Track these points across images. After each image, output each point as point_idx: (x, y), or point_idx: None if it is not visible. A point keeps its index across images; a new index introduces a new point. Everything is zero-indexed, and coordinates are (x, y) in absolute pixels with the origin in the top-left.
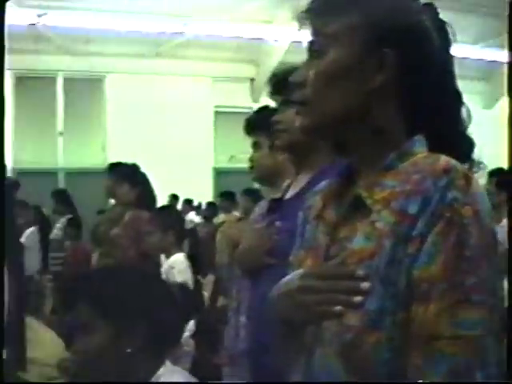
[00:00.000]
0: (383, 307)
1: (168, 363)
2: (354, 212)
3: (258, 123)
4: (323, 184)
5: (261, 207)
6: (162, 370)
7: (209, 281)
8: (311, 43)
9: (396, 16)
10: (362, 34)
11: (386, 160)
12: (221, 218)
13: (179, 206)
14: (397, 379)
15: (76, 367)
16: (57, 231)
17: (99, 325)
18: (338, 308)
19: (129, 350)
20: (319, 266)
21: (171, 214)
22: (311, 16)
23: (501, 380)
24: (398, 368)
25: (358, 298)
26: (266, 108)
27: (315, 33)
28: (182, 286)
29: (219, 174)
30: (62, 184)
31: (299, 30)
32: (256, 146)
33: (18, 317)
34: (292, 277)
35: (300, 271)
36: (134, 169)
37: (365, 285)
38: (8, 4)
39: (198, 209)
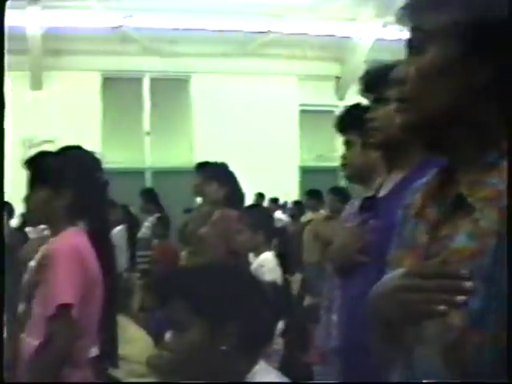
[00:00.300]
0: (487, 307)
1: (262, 362)
2: (455, 210)
3: (349, 121)
4: (422, 182)
5: (352, 205)
6: (256, 369)
7: (296, 279)
8: (411, 40)
9: (498, 12)
10: (463, 30)
11: (486, 158)
12: (308, 216)
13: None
14: (502, 380)
15: (170, 365)
16: (145, 230)
17: (194, 322)
18: (441, 307)
19: (223, 348)
20: (420, 265)
21: (260, 212)
22: (410, 12)
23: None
24: (502, 368)
25: (461, 298)
26: (357, 106)
27: (415, 29)
28: (274, 285)
29: (305, 172)
30: (149, 183)
31: (384, 26)
32: (348, 144)
33: (110, 314)
34: (393, 276)
35: (401, 270)
36: (222, 168)
37: (468, 284)
38: (94, 6)
39: (283, 207)
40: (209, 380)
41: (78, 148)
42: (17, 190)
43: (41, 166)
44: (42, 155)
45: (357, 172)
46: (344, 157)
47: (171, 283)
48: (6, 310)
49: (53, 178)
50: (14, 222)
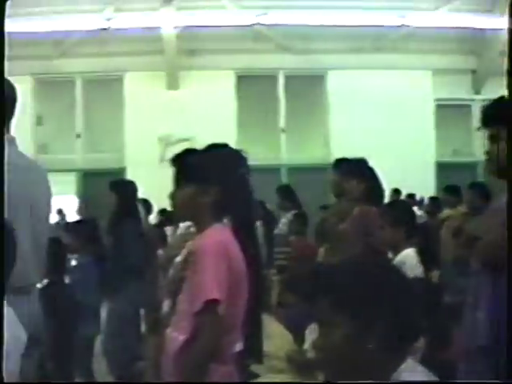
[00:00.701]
0: None
1: (410, 360)
2: None
3: (495, 115)
4: None
5: (499, 201)
6: (403, 367)
7: (434, 276)
8: None
9: None
10: None
11: None
12: (445, 213)
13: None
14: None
15: (317, 363)
16: (281, 226)
17: (341, 321)
18: None
19: (370, 346)
20: None
21: (402, 208)
22: None
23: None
24: None
25: None
26: (502, 99)
27: None
28: (421, 282)
29: (441, 167)
30: (284, 180)
31: None
32: (493, 138)
33: (255, 310)
34: None
35: None
36: (361, 164)
37: None
38: (227, 6)
39: (420, 204)
40: (355, 378)
41: (224, 146)
42: (154, 187)
43: (187, 163)
44: (188, 153)
45: (503, 167)
46: (489, 151)
47: (318, 281)
48: (146, 304)
49: (199, 175)
50: (153, 219)
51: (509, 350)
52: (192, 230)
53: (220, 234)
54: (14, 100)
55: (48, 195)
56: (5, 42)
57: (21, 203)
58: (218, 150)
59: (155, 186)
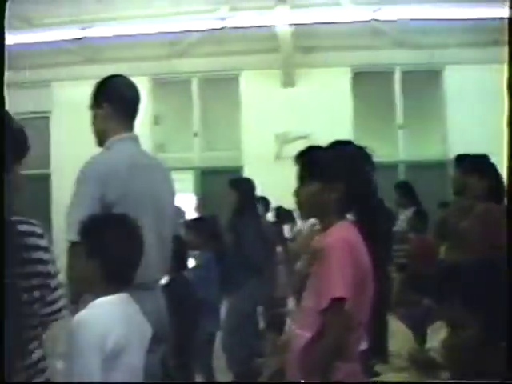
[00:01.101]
0: None
1: None
2: None
3: None
4: None
5: None
6: None
7: None
8: None
9: None
10: None
11: None
12: None
13: None
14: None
15: (446, 362)
16: (400, 223)
17: (472, 320)
18: None
19: (502, 345)
20: None
21: None
22: None
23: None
24: None
25: None
26: None
27: None
28: None
29: None
30: (402, 176)
31: None
32: None
33: (380, 308)
34: None
35: None
36: (483, 160)
37: None
38: (342, 2)
39: None
40: (486, 378)
41: (349, 142)
42: (271, 185)
43: (312, 160)
44: (313, 150)
45: None
46: None
47: (445, 280)
48: (264, 301)
49: (324, 171)
50: (270, 217)
51: (509, 350)
52: (317, 227)
53: (346, 232)
54: (137, 101)
55: (171, 193)
56: (5, 42)
57: (145, 201)
58: (343, 147)
59: (272, 184)
